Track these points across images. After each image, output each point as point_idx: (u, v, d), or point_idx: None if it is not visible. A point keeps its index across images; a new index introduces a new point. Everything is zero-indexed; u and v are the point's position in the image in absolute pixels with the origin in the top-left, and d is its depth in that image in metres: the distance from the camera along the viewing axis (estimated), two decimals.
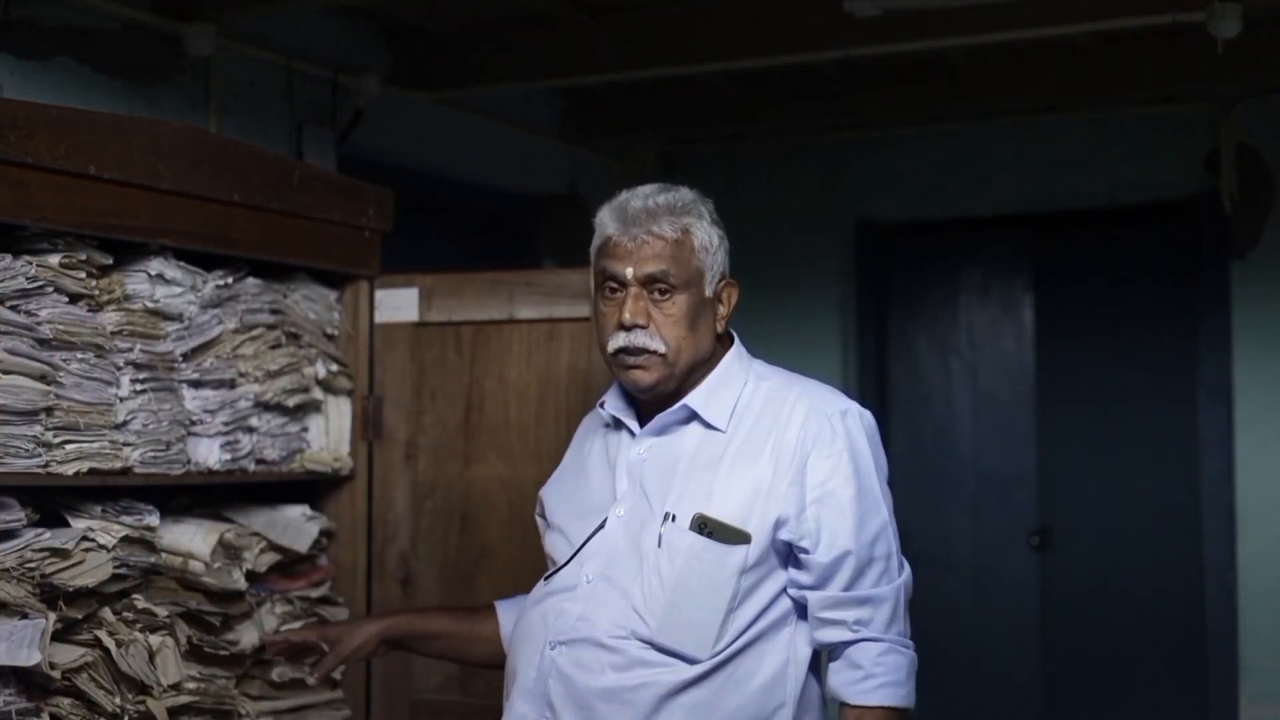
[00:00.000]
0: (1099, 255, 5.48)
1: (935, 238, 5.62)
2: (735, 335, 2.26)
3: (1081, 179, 5.14)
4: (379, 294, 3.07)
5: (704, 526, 2.09)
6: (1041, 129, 5.14)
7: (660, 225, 2.14)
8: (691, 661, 2.08)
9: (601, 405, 2.29)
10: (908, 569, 2.18)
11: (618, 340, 2.14)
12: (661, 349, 2.14)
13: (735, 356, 2.23)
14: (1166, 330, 5.25)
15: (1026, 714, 5.31)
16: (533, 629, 2.18)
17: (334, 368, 3.01)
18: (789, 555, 2.12)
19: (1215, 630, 4.84)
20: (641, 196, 2.17)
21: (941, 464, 5.52)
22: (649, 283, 2.14)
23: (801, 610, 2.14)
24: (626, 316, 2.13)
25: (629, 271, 2.13)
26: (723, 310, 2.20)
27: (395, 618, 2.50)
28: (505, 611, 2.40)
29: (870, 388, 5.47)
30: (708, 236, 2.18)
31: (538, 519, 2.39)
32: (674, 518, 2.11)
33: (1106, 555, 5.34)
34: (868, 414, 2.19)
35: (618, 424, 2.26)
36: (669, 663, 2.08)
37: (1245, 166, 4.79)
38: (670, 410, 2.19)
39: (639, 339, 2.13)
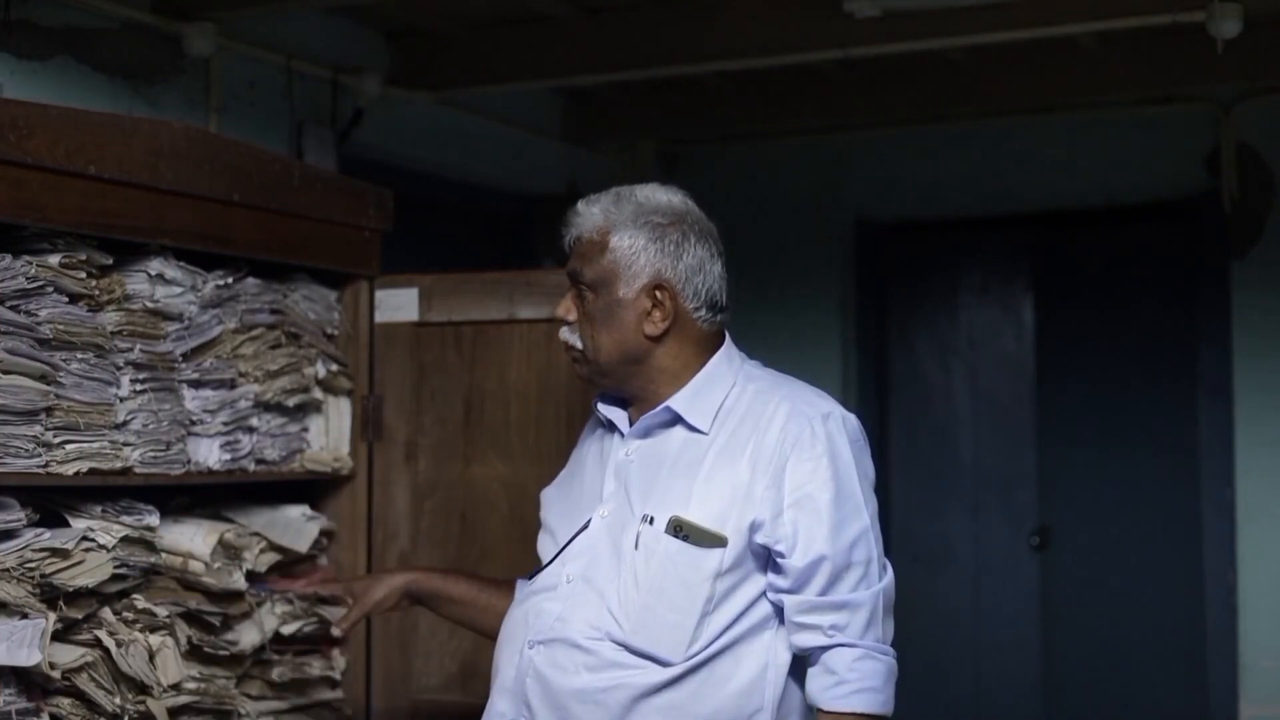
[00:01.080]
0: (1099, 255, 5.48)
1: (935, 238, 5.62)
2: (728, 336, 2.26)
3: (1081, 179, 5.14)
4: (379, 294, 3.07)
5: (679, 529, 2.09)
6: (1041, 129, 5.14)
7: (576, 224, 2.23)
8: (664, 664, 2.08)
9: (595, 405, 2.30)
10: (890, 574, 2.15)
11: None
12: (578, 344, 2.22)
13: (724, 358, 2.23)
14: (1166, 330, 5.25)
15: (1026, 714, 5.31)
16: (514, 628, 2.20)
17: (334, 368, 3.01)
18: (767, 559, 2.11)
19: (1215, 630, 4.84)
20: (586, 202, 2.24)
21: (941, 464, 5.52)
22: (572, 279, 2.22)
23: (781, 614, 2.13)
24: (559, 310, 2.24)
25: (568, 267, 2.24)
26: (658, 315, 2.18)
27: (419, 574, 2.55)
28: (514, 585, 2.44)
29: (870, 388, 5.47)
30: (632, 240, 2.18)
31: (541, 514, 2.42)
32: (652, 520, 2.12)
33: (1106, 555, 5.34)
34: (852, 418, 2.18)
35: (611, 425, 2.27)
36: (642, 665, 2.08)
37: (1245, 166, 4.79)
38: (654, 412, 2.20)
39: (562, 333, 2.24)
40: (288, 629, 2.83)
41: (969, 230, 5.54)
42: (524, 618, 2.19)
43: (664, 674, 2.07)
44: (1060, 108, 4.99)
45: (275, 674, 2.80)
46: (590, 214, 2.21)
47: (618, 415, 2.25)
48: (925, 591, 5.33)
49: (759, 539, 2.09)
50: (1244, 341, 4.82)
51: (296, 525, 2.89)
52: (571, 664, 2.10)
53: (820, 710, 2.10)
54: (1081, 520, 5.39)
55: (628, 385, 2.22)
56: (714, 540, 2.09)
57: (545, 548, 2.26)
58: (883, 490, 2.21)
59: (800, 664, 2.14)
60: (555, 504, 2.31)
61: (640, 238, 2.18)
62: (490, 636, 2.46)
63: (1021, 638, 5.34)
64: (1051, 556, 5.38)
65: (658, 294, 2.17)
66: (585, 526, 2.19)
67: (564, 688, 2.10)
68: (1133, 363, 5.34)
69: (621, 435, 2.24)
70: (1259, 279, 4.79)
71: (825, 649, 2.08)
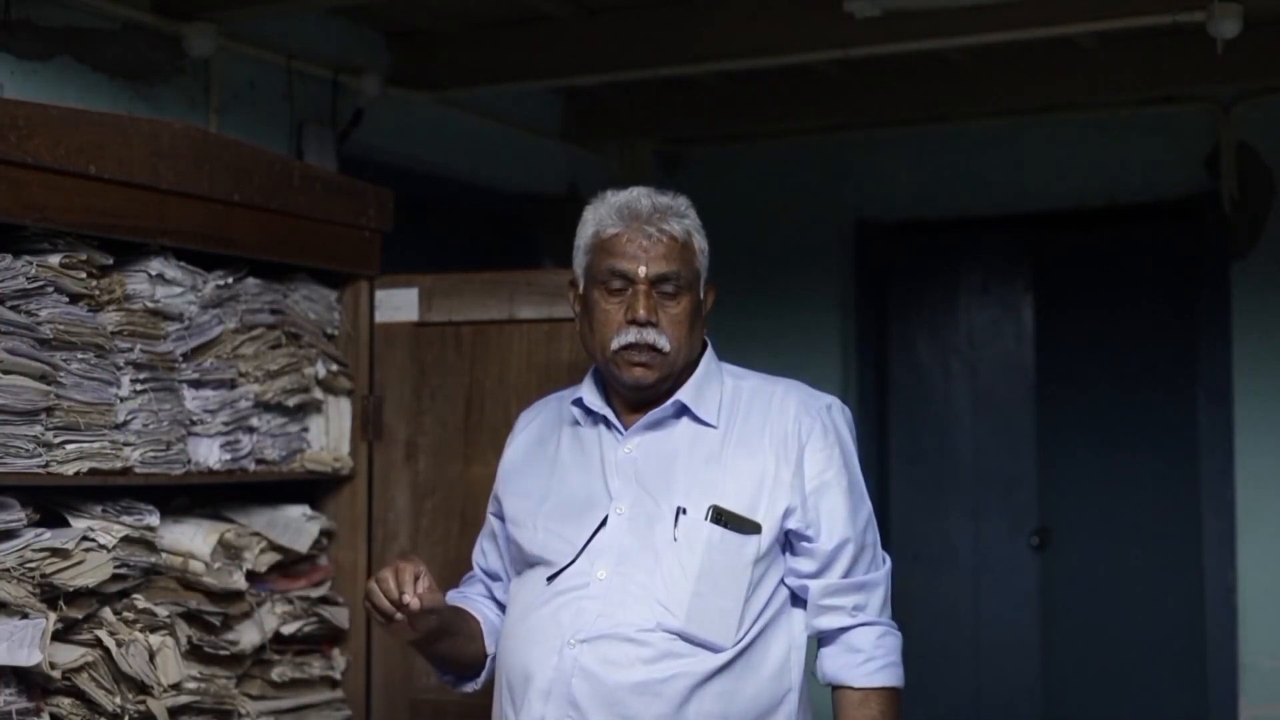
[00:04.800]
0: (1099, 255, 5.48)
1: (935, 238, 5.61)
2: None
3: (1081, 179, 5.14)
4: (379, 294, 3.07)
5: (720, 517, 2.13)
6: (1041, 129, 5.14)
7: (670, 225, 2.19)
8: (717, 650, 2.11)
9: (577, 402, 2.28)
10: (888, 556, 2.28)
11: (626, 336, 2.17)
12: (667, 347, 2.18)
13: (711, 356, 2.29)
14: (1166, 330, 5.25)
15: (1026, 714, 5.31)
16: (543, 630, 2.17)
17: (334, 368, 3.01)
18: (787, 544, 2.19)
19: (1215, 630, 4.84)
20: (646, 196, 2.21)
21: (941, 464, 5.52)
22: (658, 282, 2.18)
23: (794, 598, 2.20)
24: (642, 313, 2.16)
25: (641, 270, 2.17)
26: (703, 312, 2.26)
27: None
28: (469, 606, 2.34)
29: (870, 388, 5.47)
30: (703, 240, 2.25)
31: (492, 517, 2.39)
32: (685, 511, 2.14)
33: (1106, 555, 5.34)
34: (846, 407, 2.30)
35: (591, 420, 2.27)
36: (696, 653, 2.11)
37: (1245, 166, 4.79)
38: (663, 406, 2.22)
39: (649, 336, 2.17)
40: (288, 629, 2.83)
41: (969, 230, 5.54)
42: (554, 618, 2.16)
43: (717, 660, 2.11)
44: (1060, 108, 4.99)
45: (275, 674, 2.80)
46: (667, 212, 2.20)
47: (609, 411, 2.25)
48: (925, 591, 5.33)
49: (790, 524, 2.17)
50: (1244, 341, 4.82)
51: (296, 525, 2.90)
52: (625, 658, 2.10)
53: (848, 688, 2.17)
54: (1081, 520, 5.39)
55: (667, 384, 2.22)
56: (752, 527, 2.15)
57: (553, 548, 2.21)
58: (883, 490, 2.27)
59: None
60: (536, 503, 2.26)
61: (705, 238, 2.24)
62: (462, 665, 2.32)
63: (1021, 638, 5.34)
64: (1051, 556, 5.38)
65: (709, 294, 2.26)
66: (603, 524, 2.18)
67: (619, 683, 2.09)
68: (1133, 363, 5.34)
69: (616, 431, 2.24)
70: (1259, 279, 4.79)
71: (848, 629, 2.18)
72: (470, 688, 2.35)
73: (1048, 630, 5.35)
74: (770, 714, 2.15)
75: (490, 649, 2.32)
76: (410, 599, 2.06)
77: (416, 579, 2.08)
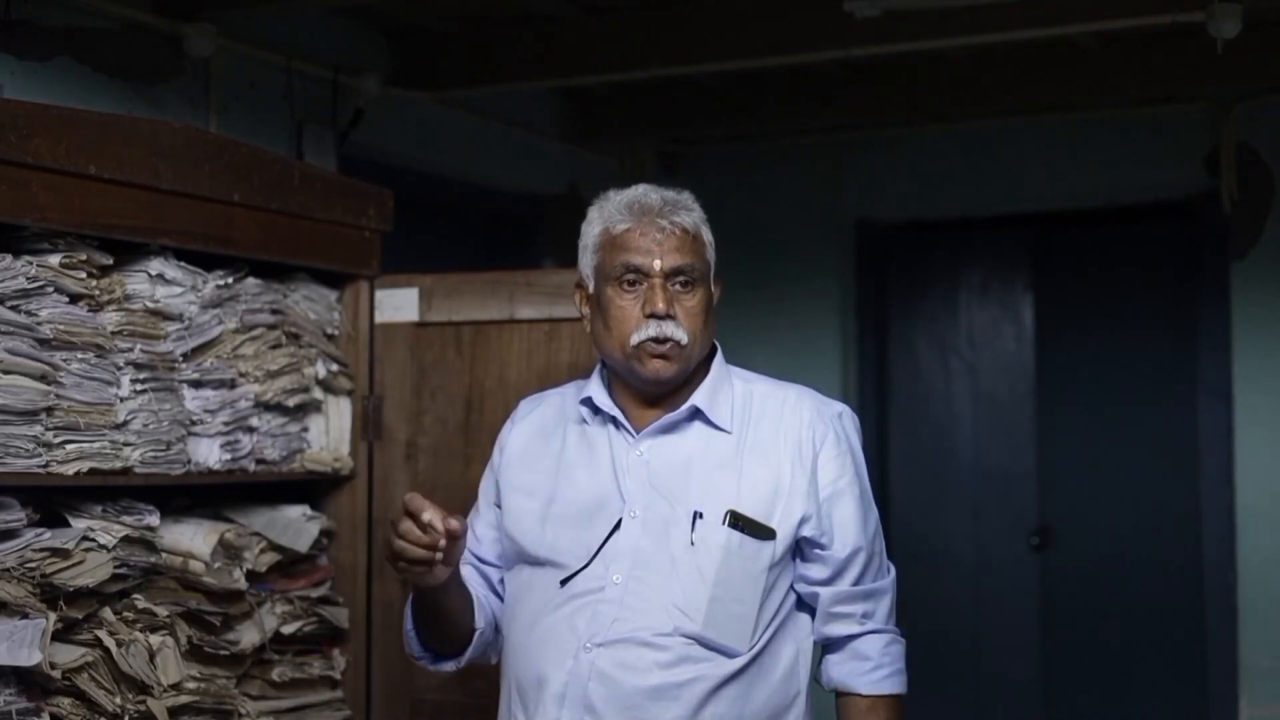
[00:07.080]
0: (1099, 255, 5.48)
1: (935, 238, 5.62)
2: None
3: (1081, 179, 5.14)
4: (379, 294, 3.07)
5: (737, 522, 2.14)
6: (1041, 129, 5.14)
7: (680, 218, 2.19)
8: (732, 655, 2.12)
9: (586, 401, 2.26)
10: (892, 565, 2.29)
11: (646, 330, 2.15)
12: (685, 340, 2.16)
13: (721, 359, 2.28)
14: (1166, 330, 5.25)
15: (1026, 714, 5.31)
16: (557, 633, 2.15)
17: (334, 368, 3.01)
18: (797, 550, 2.20)
19: (1215, 630, 4.84)
20: (653, 191, 2.21)
21: (941, 464, 5.52)
22: (673, 275, 2.16)
23: (800, 602, 2.21)
24: (660, 306, 2.13)
25: (655, 264, 2.15)
26: (714, 305, 2.26)
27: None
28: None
29: (870, 388, 5.47)
30: (710, 233, 2.24)
31: (493, 506, 2.32)
32: (702, 516, 2.14)
33: (1106, 555, 5.34)
34: (855, 414, 2.31)
35: (600, 420, 2.25)
36: (712, 657, 2.11)
37: (1245, 166, 4.79)
38: (678, 410, 2.21)
39: (668, 329, 2.15)
40: (288, 629, 2.83)
41: (969, 230, 5.54)
42: (568, 621, 2.15)
43: (733, 664, 2.12)
44: (1060, 108, 4.99)
45: (275, 674, 2.80)
46: (677, 205, 2.20)
47: (620, 413, 2.24)
48: (925, 591, 5.33)
49: (805, 531, 2.17)
50: (1244, 341, 4.82)
51: (296, 525, 2.90)
52: (642, 662, 2.10)
53: (855, 695, 2.19)
54: (1081, 520, 5.39)
55: (679, 382, 2.21)
56: (767, 533, 2.15)
57: (561, 549, 2.19)
58: (883, 490, 2.27)
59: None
60: (544, 503, 2.23)
61: (710, 232, 2.24)
62: (449, 636, 2.27)
63: (1021, 638, 5.34)
64: (1051, 556, 5.38)
65: (717, 287, 2.25)
66: (617, 527, 2.17)
67: (637, 687, 2.09)
68: (1133, 362, 5.34)
69: (627, 433, 2.22)
70: (1259, 279, 4.79)
71: (856, 636, 2.20)
72: (450, 666, 2.30)
73: (1048, 630, 5.35)
74: (780, 717, 2.16)
75: (479, 625, 2.26)
76: (452, 523, 1.99)
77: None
